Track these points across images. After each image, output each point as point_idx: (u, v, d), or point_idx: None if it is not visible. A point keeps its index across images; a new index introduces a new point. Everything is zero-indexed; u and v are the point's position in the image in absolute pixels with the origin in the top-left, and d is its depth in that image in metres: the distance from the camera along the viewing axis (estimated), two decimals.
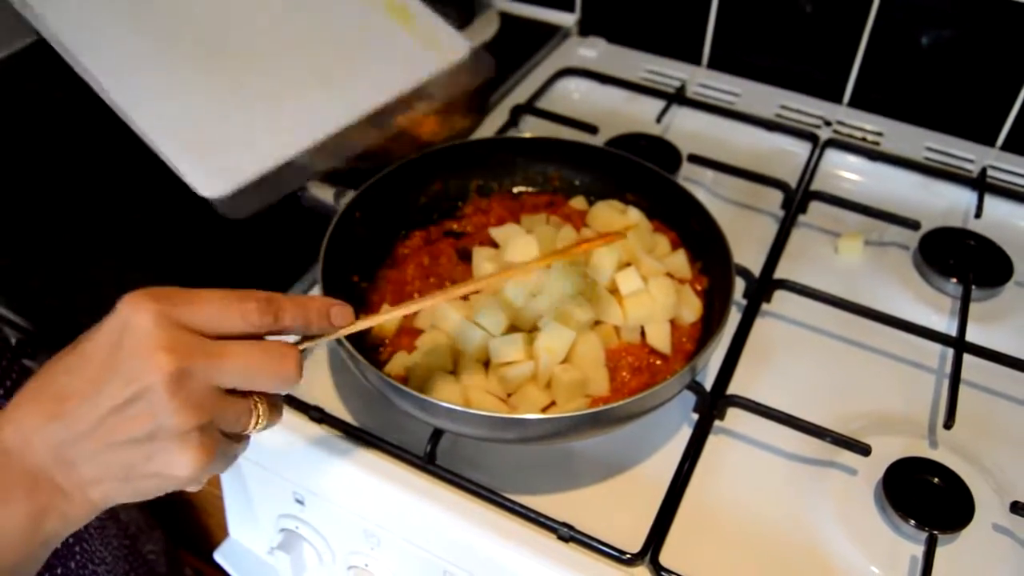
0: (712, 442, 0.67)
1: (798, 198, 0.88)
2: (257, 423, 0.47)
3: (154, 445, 0.43)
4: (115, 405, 0.42)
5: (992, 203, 0.89)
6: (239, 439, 0.48)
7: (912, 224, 0.83)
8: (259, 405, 0.47)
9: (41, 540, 0.44)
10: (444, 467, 0.63)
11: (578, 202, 0.79)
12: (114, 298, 0.43)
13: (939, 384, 0.72)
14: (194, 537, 1.08)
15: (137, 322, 0.42)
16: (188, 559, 1.15)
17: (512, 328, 0.65)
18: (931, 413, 0.70)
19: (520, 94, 1.04)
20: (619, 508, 0.62)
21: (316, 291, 0.70)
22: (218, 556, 0.78)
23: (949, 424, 0.65)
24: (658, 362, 0.66)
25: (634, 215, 0.75)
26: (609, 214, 0.75)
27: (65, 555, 0.69)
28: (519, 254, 0.70)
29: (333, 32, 0.86)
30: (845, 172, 0.95)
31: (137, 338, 0.42)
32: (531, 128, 0.98)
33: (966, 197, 0.91)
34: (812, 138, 0.96)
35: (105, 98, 0.74)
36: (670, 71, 1.09)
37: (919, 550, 0.60)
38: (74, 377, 0.43)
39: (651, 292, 0.66)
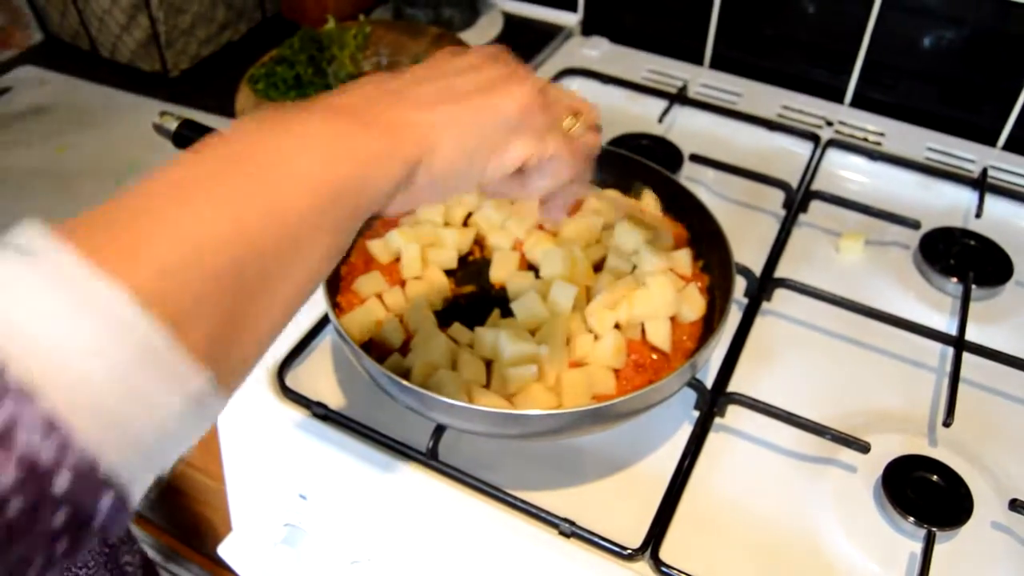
0: (712, 439, 0.67)
1: (799, 198, 0.88)
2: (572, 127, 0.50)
3: (494, 83, 0.45)
4: (471, 64, 0.46)
5: (993, 203, 0.89)
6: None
7: (913, 224, 0.84)
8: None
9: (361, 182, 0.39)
10: (446, 463, 0.63)
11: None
12: None
13: (939, 383, 0.73)
14: (198, 532, 1.09)
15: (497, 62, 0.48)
16: (191, 555, 1.15)
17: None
18: (931, 411, 0.70)
19: None
20: (620, 504, 0.63)
21: (319, 289, 0.70)
22: (221, 551, 0.78)
23: (948, 422, 0.66)
24: (656, 357, 0.66)
25: (648, 200, 0.75)
26: (605, 207, 0.76)
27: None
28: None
29: None
30: (846, 172, 0.95)
31: (503, 63, 0.48)
32: None
33: (967, 197, 0.92)
34: (814, 138, 0.96)
35: None
36: (672, 71, 1.09)
37: (918, 547, 0.60)
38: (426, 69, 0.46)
39: (651, 289, 0.67)
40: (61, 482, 0.28)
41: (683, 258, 0.72)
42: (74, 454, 0.28)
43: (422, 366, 0.63)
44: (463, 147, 0.43)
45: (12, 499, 0.27)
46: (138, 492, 0.31)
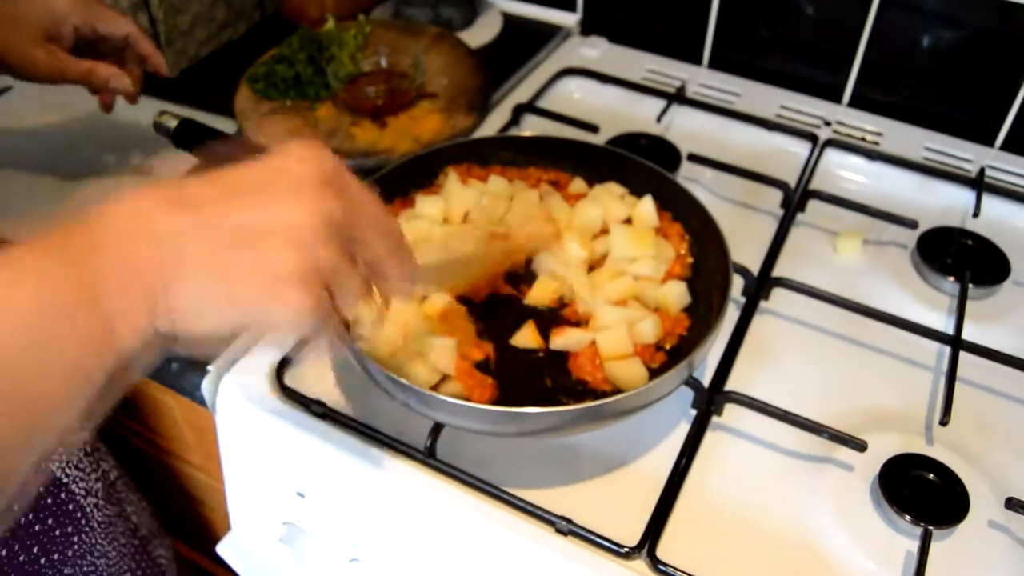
0: (710, 438, 0.67)
1: (797, 197, 0.88)
2: (365, 303, 0.45)
3: (268, 246, 0.40)
4: (248, 209, 0.40)
5: (990, 203, 0.89)
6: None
7: (910, 223, 0.84)
8: (375, 292, 0.46)
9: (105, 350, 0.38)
10: (444, 461, 0.64)
11: (577, 185, 0.80)
12: None
13: (936, 382, 0.73)
14: (197, 531, 1.09)
15: (300, 166, 0.41)
16: (190, 554, 1.16)
17: None
18: (928, 410, 0.71)
19: (522, 93, 1.04)
20: (617, 502, 0.63)
21: None
22: (220, 549, 0.78)
23: (945, 420, 0.66)
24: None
25: (647, 205, 0.76)
26: (607, 200, 0.76)
27: (63, 543, 0.70)
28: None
29: None
30: (844, 172, 0.95)
31: (297, 174, 0.41)
32: (532, 127, 0.99)
33: (964, 197, 0.92)
34: (812, 138, 0.97)
35: None
36: (671, 71, 1.09)
37: (914, 545, 0.60)
38: (210, 186, 0.40)
39: (607, 332, 0.66)
40: None
41: (667, 252, 0.73)
42: None
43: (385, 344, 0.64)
44: (220, 318, 0.41)
45: None
46: None
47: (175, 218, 0.39)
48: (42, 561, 0.68)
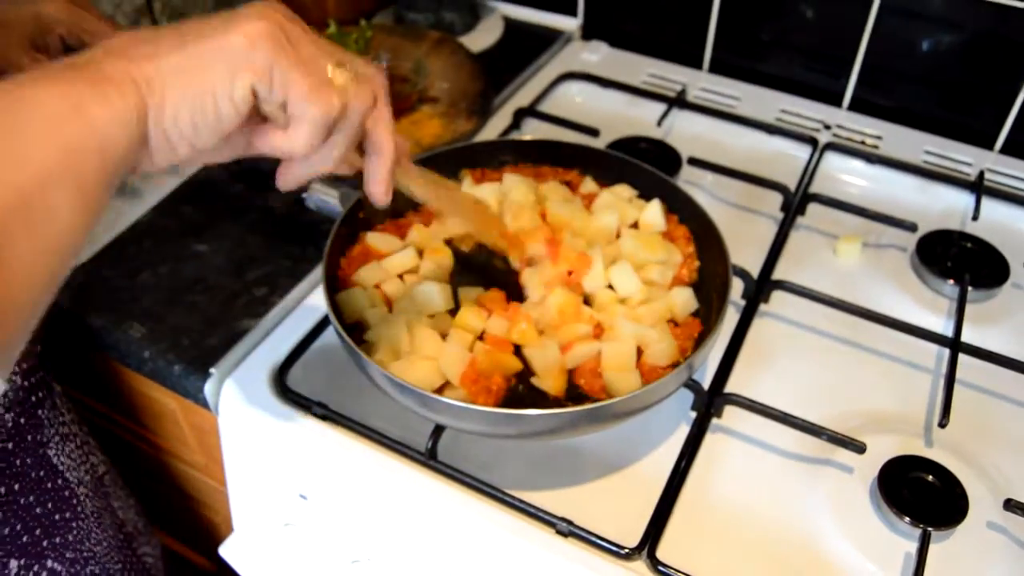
0: (709, 440, 0.68)
1: (797, 201, 0.89)
2: (319, 113, 0.46)
3: (228, 22, 0.43)
4: (212, 28, 0.43)
5: (989, 206, 0.90)
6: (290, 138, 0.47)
7: (910, 226, 0.84)
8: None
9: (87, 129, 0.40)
10: (445, 463, 0.64)
11: (588, 185, 0.80)
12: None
13: (935, 384, 0.73)
14: (199, 533, 1.09)
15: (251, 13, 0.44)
16: (193, 556, 1.16)
17: None
18: (927, 412, 0.71)
19: (523, 97, 1.05)
20: (617, 504, 0.63)
21: (319, 291, 0.71)
22: (223, 551, 0.79)
23: (944, 422, 0.66)
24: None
25: (655, 209, 0.75)
26: (619, 205, 0.76)
27: (63, 528, 0.71)
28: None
29: None
30: (844, 175, 0.96)
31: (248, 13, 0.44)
32: (533, 131, 0.99)
33: (964, 200, 0.92)
34: (812, 142, 0.97)
35: None
36: (671, 75, 1.10)
37: (913, 547, 0.61)
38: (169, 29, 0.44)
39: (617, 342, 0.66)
40: None
41: (673, 257, 0.73)
42: None
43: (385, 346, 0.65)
44: (187, 95, 0.42)
45: None
46: None
47: (148, 35, 0.43)
48: (44, 543, 0.69)
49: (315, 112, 0.46)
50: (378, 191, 0.53)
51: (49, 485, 0.70)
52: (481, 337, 0.66)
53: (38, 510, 0.69)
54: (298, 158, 0.48)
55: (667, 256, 0.72)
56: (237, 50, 0.43)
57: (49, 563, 0.70)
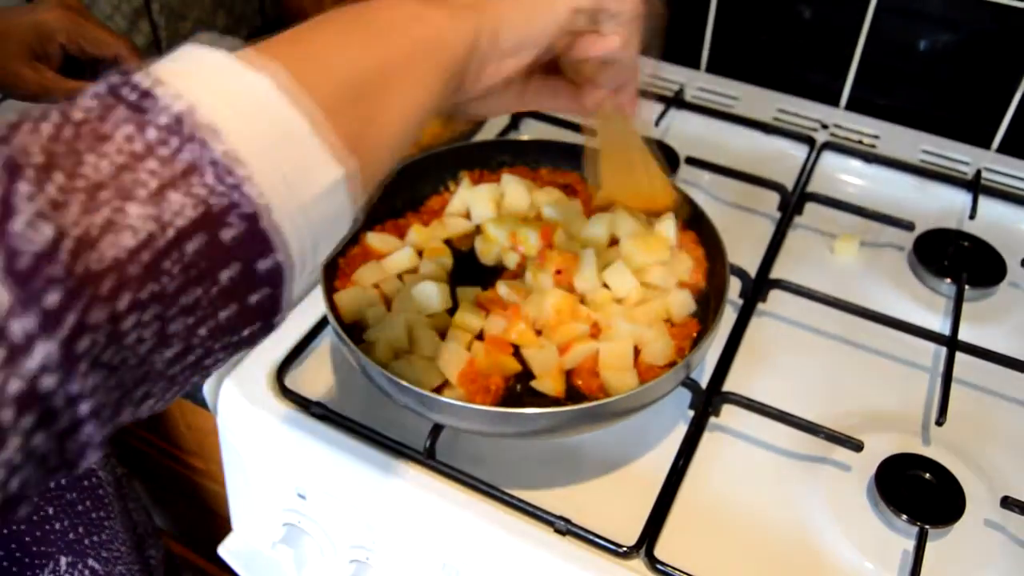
0: (707, 438, 0.68)
1: (795, 200, 0.89)
2: None
3: None
4: None
5: (986, 205, 0.90)
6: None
7: (907, 225, 0.85)
8: None
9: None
10: (444, 462, 0.64)
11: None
12: None
13: (932, 382, 0.73)
14: (198, 533, 1.09)
15: None
16: (192, 556, 1.16)
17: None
18: (924, 411, 0.71)
19: None
20: (615, 502, 0.63)
21: (317, 291, 0.71)
22: (222, 551, 0.79)
23: (941, 421, 0.66)
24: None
25: (668, 224, 0.74)
26: (618, 217, 0.75)
27: (99, 526, 0.72)
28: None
29: None
30: (842, 174, 0.96)
31: None
32: (531, 131, 1.00)
33: (961, 199, 0.92)
34: (809, 141, 0.97)
35: None
36: (669, 75, 1.10)
37: (910, 544, 0.61)
38: None
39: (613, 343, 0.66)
40: (231, 231, 0.30)
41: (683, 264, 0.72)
42: (247, 201, 0.31)
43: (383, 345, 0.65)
44: (517, 18, 0.48)
45: (192, 237, 0.29)
46: (294, 275, 0.34)
47: None
48: (86, 541, 0.70)
49: (626, 9, 0.51)
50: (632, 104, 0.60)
51: (87, 483, 0.70)
52: (480, 337, 0.66)
53: (79, 507, 0.69)
54: (614, 58, 0.53)
55: (668, 257, 0.72)
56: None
57: (90, 561, 0.70)
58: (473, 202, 0.77)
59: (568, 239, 0.73)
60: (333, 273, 0.71)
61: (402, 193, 0.78)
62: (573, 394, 0.64)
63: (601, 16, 0.51)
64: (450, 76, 0.45)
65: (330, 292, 0.68)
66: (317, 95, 0.35)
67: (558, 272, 0.69)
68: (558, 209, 0.75)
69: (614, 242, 0.74)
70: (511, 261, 0.73)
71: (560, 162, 0.82)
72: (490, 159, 0.82)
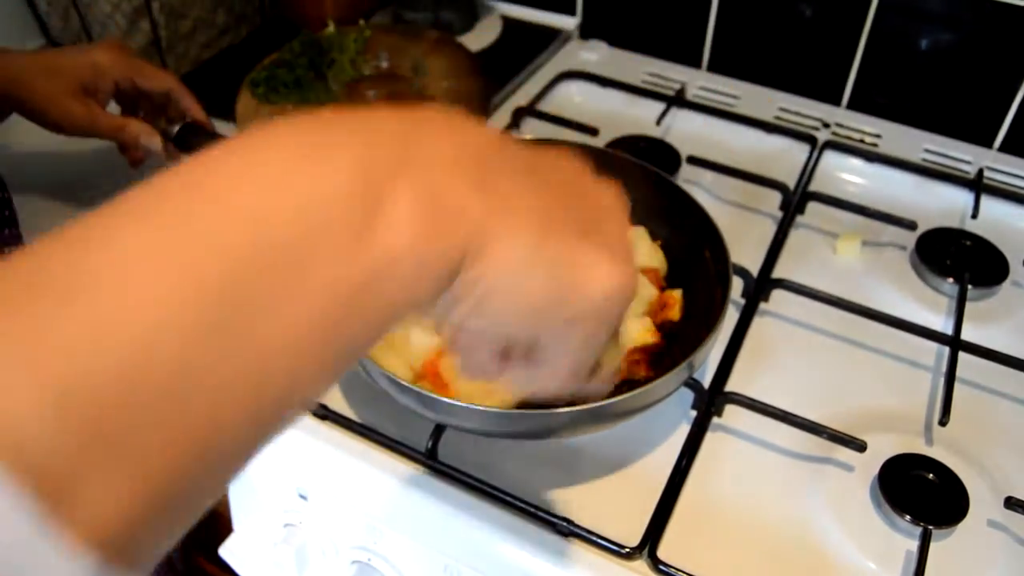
0: (710, 438, 0.68)
1: (796, 199, 0.89)
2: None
3: (589, 239, 0.35)
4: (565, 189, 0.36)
5: (989, 204, 0.90)
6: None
7: (909, 224, 0.84)
8: None
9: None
10: (445, 463, 0.64)
11: None
12: None
13: (935, 382, 0.73)
14: (199, 534, 1.09)
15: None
16: (193, 556, 1.16)
17: None
18: (927, 411, 0.71)
19: (522, 97, 1.05)
20: (618, 503, 0.63)
21: None
22: (223, 552, 0.79)
23: (944, 421, 0.66)
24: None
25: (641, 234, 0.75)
26: None
27: None
28: None
29: None
30: (843, 173, 0.96)
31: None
32: (532, 130, 0.99)
33: (963, 198, 0.92)
34: (811, 140, 0.97)
35: None
36: (670, 74, 1.10)
37: (914, 545, 0.61)
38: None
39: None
40: None
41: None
42: None
43: None
44: (516, 294, 0.33)
45: None
46: None
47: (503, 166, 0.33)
48: None
49: (550, 387, 0.39)
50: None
51: None
52: None
53: None
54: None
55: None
56: (592, 298, 0.35)
57: None
58: None
59: None
60: None
61: None
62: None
63: (564, 360, 0.38)
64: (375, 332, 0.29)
65: None
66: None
67: None
68: None
69: None
70: None
71: None
72: None
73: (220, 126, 0.96)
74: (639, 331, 0.66)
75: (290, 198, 0.26)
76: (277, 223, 0.26)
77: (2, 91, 0.76)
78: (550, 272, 0.33)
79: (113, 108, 0.83)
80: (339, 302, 0.27)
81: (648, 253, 0.73)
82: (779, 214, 0.88)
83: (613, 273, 0.35)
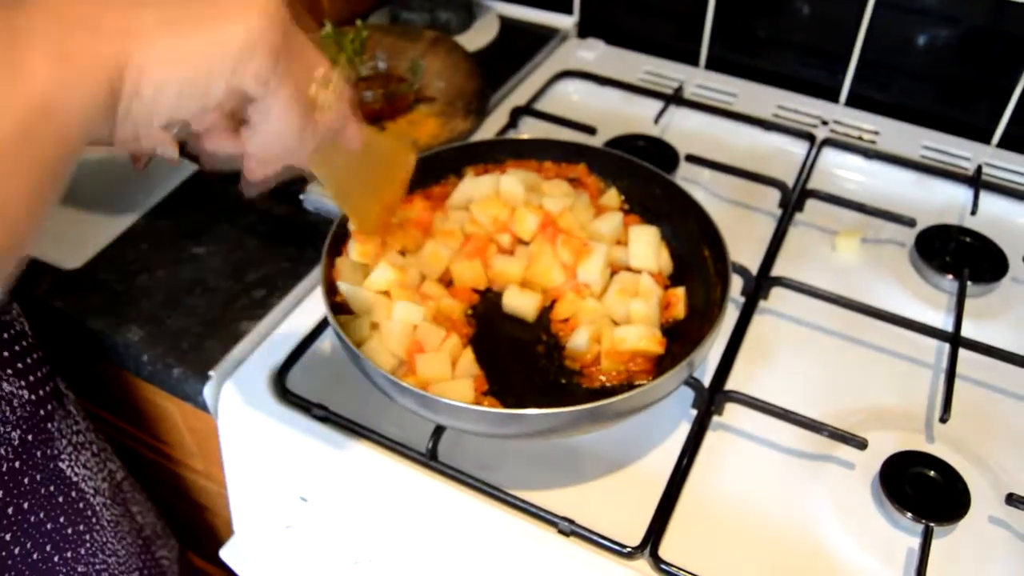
0: (710, 437, 0.68)
1: (795, 197, 0.89)
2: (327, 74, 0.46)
3: (224, 47, 0.41)
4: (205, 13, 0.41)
5: (988, 200, 0.90)
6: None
7: (908, 221, 0.84)
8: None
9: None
10: (446, 463, 0.64)
11: (610, 198, 0.79)
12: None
13: (935, 379, 0.73)
14: (200, 537, 1.09)
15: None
16: (195, 560, 1.16)
17: None
18: (927, 408, 0.71)
19: (520, 96, 1.05)
20: (619, 503, 0.63)
21: (318, 292, 0.71)
22: (224, 554, 0.78)
23: (945, 417, 0.66)
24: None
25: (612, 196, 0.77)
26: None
27: (75, 541, 0.71)
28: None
29: None
30: (842, 171, 0.96)
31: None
32: (530, 129, 0.99)
33: (962, 194, 0.92)
34: (809, 137, 0.97)
35: None
36: (668, 72, 1.10)
37: (916, 542, 0.61)
38: None
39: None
40: None
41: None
42: None
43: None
44: (170, 84, 0.40)
45: None
46: None
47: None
48: (55, 559, 0.69)
49: (287, 132, 0.46)
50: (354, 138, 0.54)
51: (61, 499, 0.69)
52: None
53: (49, 526, 0.68)
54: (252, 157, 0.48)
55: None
56: (233, 51, 0.41)
57: None
58: (473, 192, 0.77)
59: (579, 228, 0.74)
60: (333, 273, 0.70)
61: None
62: (572, 384, 0.64)
63: (263, 119, 0.45)
64: (68, 149, 0.37)
65: (330, 294, 0.68)
66: None
67: (545, 226, 0.73)
68: (564, 201, 0.75)
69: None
70: (503, 241, 0.74)
71: (560, 159, 0.81)
72: (489, 158, 0.81)
73: None
74: (647, 339, 0.66)
75: None
76: None
77: None
78: (195, 50, 0.40)
79: None
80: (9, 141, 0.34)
81: (656, 255, 0.73)
82: (778, 212, 0.88)
83: (246, 15, 0.41)
